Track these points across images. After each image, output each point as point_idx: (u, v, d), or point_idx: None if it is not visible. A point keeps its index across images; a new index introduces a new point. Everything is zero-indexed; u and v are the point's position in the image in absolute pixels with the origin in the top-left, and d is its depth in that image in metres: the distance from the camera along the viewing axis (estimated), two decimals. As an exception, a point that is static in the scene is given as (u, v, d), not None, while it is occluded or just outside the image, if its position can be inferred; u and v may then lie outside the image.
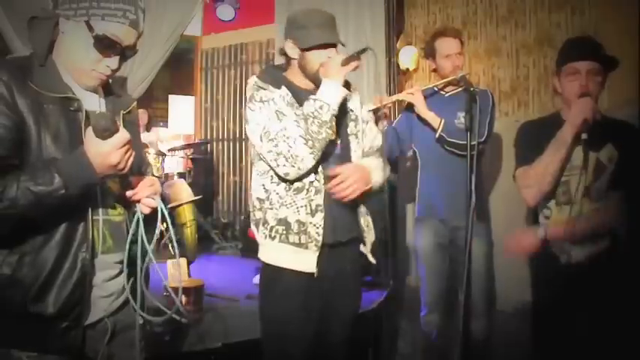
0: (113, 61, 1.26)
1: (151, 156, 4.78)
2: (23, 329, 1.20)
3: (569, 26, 3.78)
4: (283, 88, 1.76)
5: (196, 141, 6.10)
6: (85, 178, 1.16)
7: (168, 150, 5.53)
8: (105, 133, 1.15)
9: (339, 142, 1.83)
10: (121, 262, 1.32)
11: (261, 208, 1.79)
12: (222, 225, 5.71)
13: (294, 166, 1.66)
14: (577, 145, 1.85)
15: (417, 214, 2.78)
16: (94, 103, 1.33)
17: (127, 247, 1.31)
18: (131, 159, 1.21)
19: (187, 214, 4.43)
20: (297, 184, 1.74)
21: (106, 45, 1.23)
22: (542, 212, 1.99)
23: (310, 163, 1.68)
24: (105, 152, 1.15)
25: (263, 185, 1.79)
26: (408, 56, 4.58)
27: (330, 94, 1.68)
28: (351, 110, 1.89)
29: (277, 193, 1.76)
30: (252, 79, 1.79)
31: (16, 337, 1.21)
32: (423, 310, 2.75)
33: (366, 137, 1.92)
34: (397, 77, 4.20)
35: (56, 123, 1.21)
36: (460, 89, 2.59)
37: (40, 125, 1.19)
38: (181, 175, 5.36)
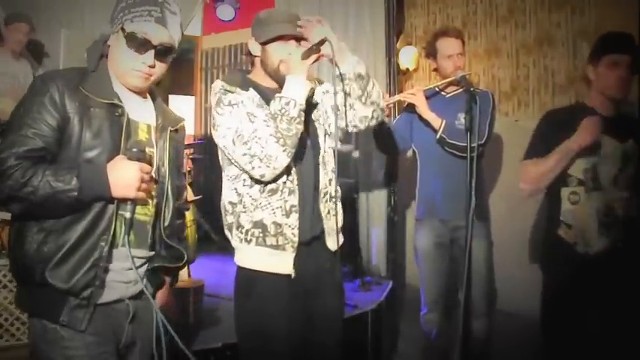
0: (148, 57, 1.40)
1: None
2: (41, 298, 1.34)
3: (569, 26, 3.78)
4: (251, 89, 1.75)
5: (196, 141, 6.10)
6: (97, 189, 1.30)
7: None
8: (136, 155, 1.33)
9: (308, 135, 1.82)
10: (141, 258, 1.46)
11: (233, 212, 1.77)
12: (221, 226, 5.70)
13: (269, 167, 1.64)
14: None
15: (417, 214, 2.78)
16: (145, 115, 1.49)
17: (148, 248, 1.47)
18: (143, 189, 1.35)
19: (187, 214, 4.42)
20: (270, 186, 1.72)
21: (137, 42, 1.38)
22: (569, 198, 2.02)
23: (285, 161, 1.66)
24: (127, 173, 1.31)
25: (235, 189, 1.77)
26: (408, 56, 4.58)
27: (294, 90, 1.67)
28: (317, 103, 1.88)
29: (250, 196, 1.74)
30: (218, 83, 1.76)
31: (35, 305, 1.36)
32: (422, 309, 2.75)
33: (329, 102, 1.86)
34: (397, 77, 4.20)
35: (99, 124, 1.36)
36: (461, 90, 2.59)
37: (83, 124, 1.34)
38: (181, 175, 5.36)
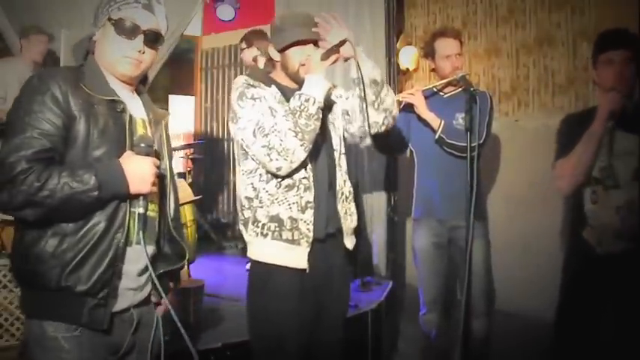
0: (137, 43, 1.39)
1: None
2: (57, 302, 1.30)
3: (569, 26, 3.78)
4: (273, 86, 1.81)
5: (196, 141, 6.10)
6: (117, 186, 1.29)
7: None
8: (145, 150, 1.34)
9: (326, 134, 1.88)
10: (152, 256, 1.44)
11: (250, 207, 1.80)
12: (222, 225, 5.70)
13: (286, 160, 1.69)
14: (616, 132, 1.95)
15: (415, 214, 2.78)
16: (138, 110, 1.48)
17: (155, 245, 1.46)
18: (155, 184, 1.37)
19: (187, 214, 4.41)
20: (287, 182, 1.76)
21: (126, 28, 1.38)
22: (590, 198, 2.01)
23: (302, 155, 1.71)
24: (141, 168, 1.32)
25: (252, 184, 1.80)
26: (408, 56, 4.58)
27: (314, 87, 1.72)
28: (336, 100, 1.94)
29: (267, 191, 1.77)
30: (242, 78, 1.82)
31: (50, 309, 1.31)
32: (422, 309, 2.76)
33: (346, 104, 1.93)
34: (397, 77, 4.20)
35: (104, 121, 1.35)
36: (459, 90, 2.59)
37: (90, 122, 1.32)
38: (181, 175, 5.36)
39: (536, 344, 2.12)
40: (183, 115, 6.22)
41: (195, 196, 3.85)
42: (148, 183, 1.33)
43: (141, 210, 1.35)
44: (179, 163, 5.57)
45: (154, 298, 1.50)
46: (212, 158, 6.21)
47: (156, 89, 5.95)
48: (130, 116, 1.40)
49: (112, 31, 1.39)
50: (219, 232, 5.45)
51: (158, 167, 1.38)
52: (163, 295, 1.41)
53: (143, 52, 1.41)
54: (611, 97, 1.91)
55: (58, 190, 1.23)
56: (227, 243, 5.29)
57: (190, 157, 5.72)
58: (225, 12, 5.81)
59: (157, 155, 1.42)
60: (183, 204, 4.43)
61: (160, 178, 1.46)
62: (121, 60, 1.41)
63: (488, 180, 3.28)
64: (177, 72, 6.23)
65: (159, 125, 1.53)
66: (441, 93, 2.74)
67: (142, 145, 1.35)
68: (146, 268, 1.42)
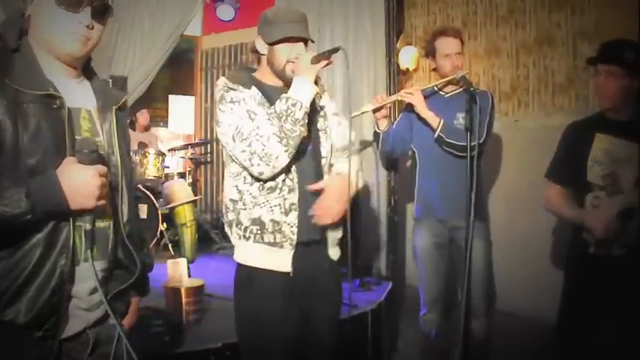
0: (84, 16, 1.19)
1: (151, 156, 4.77)
2: (1, 338, 1.13)
3: (569, 26, 3.78)
4: (253, 88, 1.76)
5: (196, 141, 6.10)
6: (52, 205, 1.09)
7: (168, 150, 5.52)
8: (88, 157, 1.13)
9: (311, 138, 1.83)
10: (105, 271, 1.27)
11: (234, 209, 1.78)
12: (222, 225, 5.70)
13: (268, 165, 1.65)
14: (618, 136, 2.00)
15: (415, 214, 2.78)
16: (82, 98, 1.27)
17: (110, 257, 1.27)
18: (103, 197, 1.16)
19: (187, 214, 4.43)
20: (270, 184, 1.73)
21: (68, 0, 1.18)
22: (591, 202, 2.04)
23: (285, 161, 1.67)
24: (83, 181, 1.10)
25: (236, 186, 1.78)
26: (408, 56, 4.59)
27: (301, 92, 1.68)
28: (321, 107, 1.89)
29: (250, 194, 1.75)
30: (222, 81, 1.78)
31: None
32: (422, 309, 2.75)
33: (336, 134, 1.90)
34: (397, 77, 4.20)
35: (36, 122, 1.13)
36: (460, 90, 2.59)
37: (17, 126, 1.11)
38: (181, 175, 5.36)
39: (536, 344, 2.12)
40: (183, 115, 6.22)
41: (195, 196, 3.85)
42: (93, 197, 1.11)
43: (87, 226, 1.18)
44: (179, 163, 5.57)
45: (111, 321, 1.28)
46: (212, 158, 6.21)
47: (156, 89, 5.96)
48: (70, 112, 1.18)
49: (52, 3, 1.17)
50: (219, 232, 5.45)
51: (106, 175, 1.16)
52: (114, 319, 1.24)
53: (92, 28, 1.21)
54: (606, 221, 1.95)
55: None
56: (227, 243, 5.28)
57: (190, 157, 5.71)
58: (225, 12, 5.82)
59: (103, 159, 1.22)
60: (183, 204, 4.44)
61: (111, 184, 1.26)
62: (64, 38, 1.19)
63: (489, 180, 3.27)
64: (177, 72, 6.24)
65: (107, 113, 1.30)
66: (442, 92, 2.74)
67: (85, 150, 1.13)
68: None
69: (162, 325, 2.34)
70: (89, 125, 1.26)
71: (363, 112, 2.75)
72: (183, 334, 2.46)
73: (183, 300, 2.64)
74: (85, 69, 1.33)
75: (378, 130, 2.77)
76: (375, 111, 2.70)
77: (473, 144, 1.88)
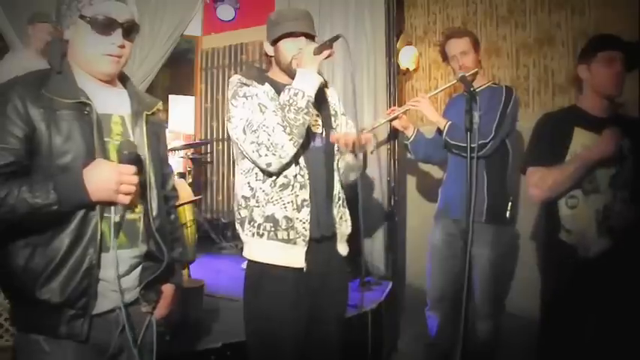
0: (116, 38, 1.34)
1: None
2: (35, 315, 1.29)
3: (569, 26, 3.78)
4: (266, 84, 1.81)
5: (196, 141, 6.10)
6: (76, 198, 1.25)
7: (169, 150, 5.51)
8: (127, 157, 1.29)
9: (323, 134, 1.88)
10: (135, 257, 1.41)
11: (247, 206, 1.80)
12: (222, 225, 5.70)
13: (275, 155, 1.67)
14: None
15: (436, 212, 2.80)
16: (117, 105, 1.41)
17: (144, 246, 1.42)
18: (131, 193, 1.30)
19: (187, 214, 4.42)
20: (282, 180, 1.76)
21: (102, 24, 1.32)
22: (566, 202, 2.01)
23: (291, 150, 1.70)
24: (104, 177, 1.26)
25: (248, 183, 1.80)
26: (408, 56, 4.59)
27: (304, 81, 1.71)
28: (331, 105, 1.95)
29: (263, 191, 1.77)
30: (236, 77, 1.82)
31: (30, 322, 1.31)
32: (427, 305, 2.80)
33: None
34: (397, 77, 4.20)
35: (68, 126, 1.29)
36: (484, 87, 2.61)
37: (51, 130, 1.27)
38: (181, 175, 5.36)
39: (535, 344, 2.12)
40: (183, 115, 6.22)
41: (195, 196, 3.84)
42: (111, 190, 1.26)
43: (116, 218, 1.31)
44: (179, 163, 5.56)
45: (143, 309, 1.46)
46: (212, 158, 6.21)
47: (156, 89, 5.95)
48: (99, 117, 1.33)
49: (87, 29, 1.32)
50: (219, 232, 5.45)
51: (136, 173, 1.31)
52: (145, 307, 1.43)
53: (123, 47, 1.36)
54: (611, 136, 1.90)
55: (17, 206, 1.20)
56: (227, 243, 5.29)
57: (190, 157, 5.71)
58: (225, 12, 5.82)
59: (140, 160, 1.36)
60: (183, 204, 4.43)
61: (141, 182, 1.38)
62: (100, 58, 1.35)
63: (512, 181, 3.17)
64: (177, 72, 6.23)
65: (139, 119, 1.44)
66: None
67: (125, 152, 1.30)
68: (127, 272, 1.39)
69: (163, 325, 2.33)
70: (121, 129, 1.40)
71: (379, 125, 2.79)
72: (183, 334, 2.46)
73: (183, 300, 2.64)
74: (121, 77, 1.48)
75: (405, 142, 2.81)
76: (390, 122, 2.76)
77: (474, 145, 1.88)
